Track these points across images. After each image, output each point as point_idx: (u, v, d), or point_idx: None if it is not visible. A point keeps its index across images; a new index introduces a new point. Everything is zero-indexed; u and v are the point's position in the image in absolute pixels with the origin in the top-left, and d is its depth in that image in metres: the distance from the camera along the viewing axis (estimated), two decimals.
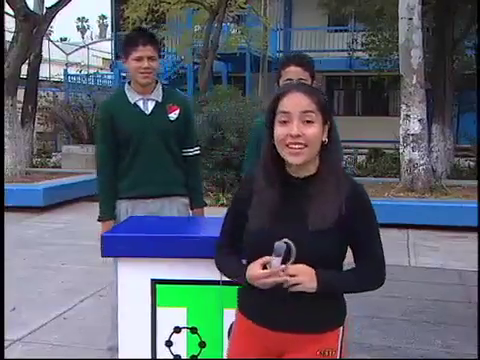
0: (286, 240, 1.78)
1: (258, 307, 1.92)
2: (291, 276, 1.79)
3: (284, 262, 1.79)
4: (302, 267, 1.79)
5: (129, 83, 3.41)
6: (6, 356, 3.70)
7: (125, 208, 3.38)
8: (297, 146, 1.80)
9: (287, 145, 1.81)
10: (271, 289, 1.83)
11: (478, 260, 4.98)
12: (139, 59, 3.26)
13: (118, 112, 3.36)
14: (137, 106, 3.35)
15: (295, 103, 1.81)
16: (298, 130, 1.79)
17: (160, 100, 3.36)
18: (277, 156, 1.86)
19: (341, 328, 1.96)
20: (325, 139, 1.85)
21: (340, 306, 1.99)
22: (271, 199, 1.86)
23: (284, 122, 1.82)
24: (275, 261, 1.79)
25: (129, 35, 3.47)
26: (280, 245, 1.78)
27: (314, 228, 1.80)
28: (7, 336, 3.93)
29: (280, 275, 1.78)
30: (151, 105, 3.35)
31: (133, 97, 3.35)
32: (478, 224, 6.45)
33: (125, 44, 3.37)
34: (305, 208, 1.83)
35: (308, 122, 1.81)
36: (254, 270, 1.83)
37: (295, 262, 1.78)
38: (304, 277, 1.79)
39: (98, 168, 3.46)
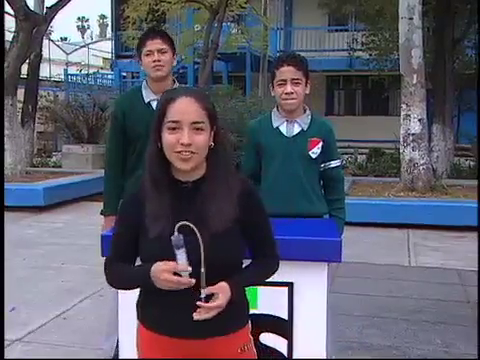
0: (185, 222, 1.73)
1: (163, 317, 1.87)
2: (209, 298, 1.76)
3: (190, 257, 1.73)
4: (222, 288, 1.78)
5: (147, 81, 3.40)
6: (6, 356, 3.71)
7: None
8: (186, 153, 1.79)
9: (176, 152, 1.80)
10: (174, 297, 1.79)
11: (478, 260, 4.98)
12: (149, 53, 3.27)
13: (130, 110, 3.35)
14: (150, 106, 3.33)
15: (185, 112, 1.80)
16: (189, 139, 1.79)
17: None
18: (163, 161, 1.84)
19: (249, 322, 2.00)
20: (212, 143, 1.86)
21: (245, 303, 1.99)
22: (165, 205, 1.83)
23: (173, 129, 1.81)
24: (179, 255, 1.73)
25: (141, 36, 3.48)
26: (177, 237, 1.73)
27: (215, 230, 1.78)
28: (7, 336, 3.93)
29: (186, 278, 1.73)
30: None
31: (148, 96, 3.35)
32: (478, 224, 6.46)
33: (137, 45, 3.38)
34: (201, 211, 1.81)
35: (198, 130, 1.81)
36: (161, 265, 1.74)
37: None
38: (223, 300, 1.77)
39: (106, 165, 3.47)
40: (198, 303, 1.75)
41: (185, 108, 1.81)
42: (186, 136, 1.79)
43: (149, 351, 1.94)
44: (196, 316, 1.77)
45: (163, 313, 1.87)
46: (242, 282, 1.89)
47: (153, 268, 1.76)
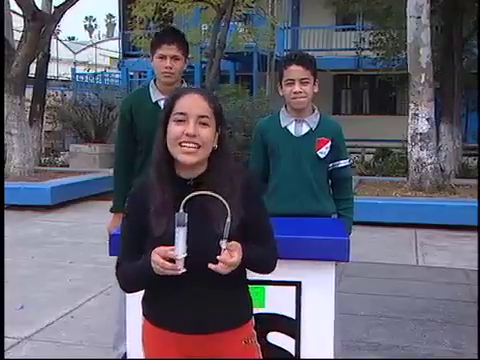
0: (197, 193, 1.74)
1: (167, 313, 1.89)
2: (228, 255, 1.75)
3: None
4: (238, 246, 1.77)
5: (155, 81, 3.40)
6: (14, 354, 3.73)
7: None
8: (191, 145, 1.81)
9: (181, 143, 1.82)
10: (178, 292, 1.82)
11: (478, 260, 4.97)
12: (162, 57, 3.25)
13: (137, 108, 3.35)
14: (158, 105, 3.34)
15: (192, 105, 1.83)
16: (194, 130, 1.81)
17: None
18: (169, 157, 1.85)
19: (253, 318, 2.00)
20: (215, 145, 1.87)
21: (248, 299, 2.00)
22: (169, 202, 1.83)
23: (180, 121, 1.83)
24: (178, 234, 1.72)
25: (158, 33, 3.47)
26: (181, 214, 1.73)
27: (217, 227, 1.77)
28: (15, 334, 3.97)
29: (178, 260, 1.72)
30: None
31: (156, 95, 3.34)
32: (478, 223, 6.45)
33: (152, 41, 3.38)
34: (205, 208, 1.81)
35: (203, 124, 1.83)
36: (157, 248, 1.75)
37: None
38: (238, 258, 1.76)
39: (115, 163, 3.49)
40: (218, 257, 1.73)
41: (193, 102, 1.84)
42: (192, 127, 1.81)
43: (154, 347, 1.95)
44: (212, 266, 1.74)
45: (167, 308, 1.89)
46: (249, 252, 1.84)
47: (152, 252, 1.76)
